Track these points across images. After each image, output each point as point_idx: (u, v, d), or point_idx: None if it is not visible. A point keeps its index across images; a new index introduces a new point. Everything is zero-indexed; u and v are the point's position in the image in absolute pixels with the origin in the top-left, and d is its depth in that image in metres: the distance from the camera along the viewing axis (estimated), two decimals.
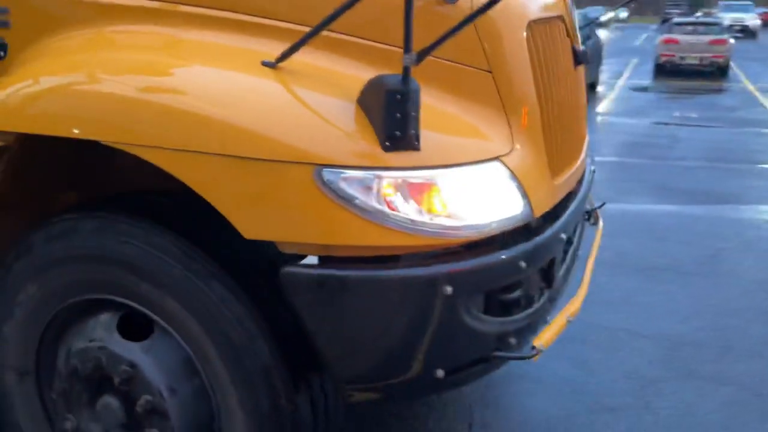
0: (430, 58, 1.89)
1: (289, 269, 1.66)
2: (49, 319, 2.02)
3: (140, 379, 1.89)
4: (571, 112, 2.39)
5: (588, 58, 2.52)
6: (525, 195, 1.94)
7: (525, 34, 1.99)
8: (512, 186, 1.91)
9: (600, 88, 16.02)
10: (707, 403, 3.08)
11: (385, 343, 1.74)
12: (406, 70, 1.60)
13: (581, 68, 2.61)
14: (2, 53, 1.97)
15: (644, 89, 16.09)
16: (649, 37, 19.51)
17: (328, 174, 1.61)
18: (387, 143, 1.64)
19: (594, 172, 3.06)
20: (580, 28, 2.88)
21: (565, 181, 2.27)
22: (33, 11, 1.98)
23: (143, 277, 1.83)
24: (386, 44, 1.87)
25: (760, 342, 3.67)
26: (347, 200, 1.62)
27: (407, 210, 1.67)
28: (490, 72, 1.94)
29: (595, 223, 3.10)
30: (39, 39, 1.95)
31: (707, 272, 4.66)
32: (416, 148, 1.68)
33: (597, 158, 8.33)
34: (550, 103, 2.13)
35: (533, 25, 2.05)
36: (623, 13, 63.90)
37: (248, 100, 1.69)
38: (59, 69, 1.84)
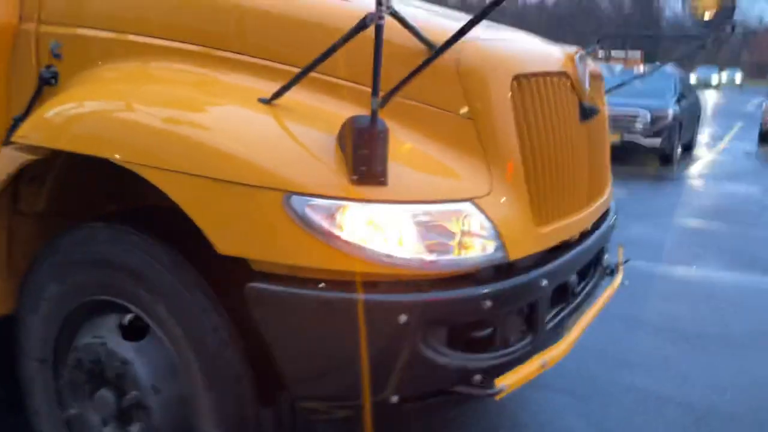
0: (415, 102, 2.05)
1: (253, 285, 1.82)
2: (66, 315, 2.28)
3: (131, 375, 2.09)
4: (573, 166, 2.44)
5: (596, 113, 2.56)
6: (499, 238, 2.02)
7: (510, 86, 2.09)
8: (485, 228, 2.00)
9: (696, 151, 15.50)
10: None
11: (339, 364, 1.86)
12: (373, 112, 1.75)
13: (594, 123, 2.66)
14: (54, 81, 2.28)
15: (743, 155, 15.39)
16: (762, 102, 18.62)
17: (295, 201, 1.78)
18: (354, 177, 1.79)
19: (613, 226, 3.07)
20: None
21: (556, 230, 2.32)
22: (82, 47, 2.29)
23: (140, 283, 2.05)
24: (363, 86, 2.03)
25: None
26: (311, 226, 1.78)
27: (368, 240, 1.80)
28: (472, 119, 2.06)
29: (611, 276, 3.10)
30: (82, 71, 2.25)
31: (758, 346, 4.42)
32: (383, 183, 1.82)
33: (675, 221, 8.14)
34: (540, 155, 2.21)
35: (522, 78, 2.15)
36: (737, 77, 61.57)
37: (235, 130, 1.90)
38: (84, 96, 2.13)
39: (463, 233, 1.95)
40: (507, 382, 2.00)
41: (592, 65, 2.81)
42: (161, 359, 2.08)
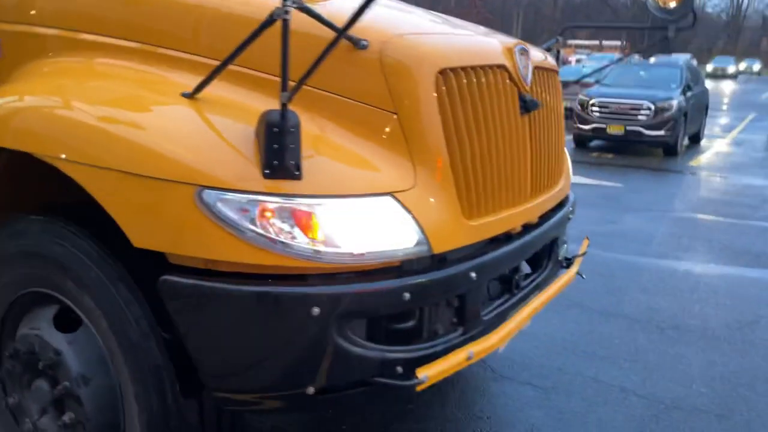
0: (339, 97, 2.07)
1: (166, 277, 1.85)
2: (8, 306, 2.32)
3: (62, 366, 2.14)
4: (511, 159, 2.43)
5: (537, 106, 2.55)
6: (422, 231, 2.04)
7: (435, 80, 2.10)
8: (406, 221, 2.01)
9: (704, 141, 15.32)
10: None
11: (252, 355, 1.88)
12: (283, 107, 1.77)
13: (540, 115, 2.65)
14: None
15: (751, 147, 15.18)
16: None
17: (207, 195, 1.80)
18: (267, 171, 1.81)
19: (567, 217, 3.07)
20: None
21: (490, 223, 2.32)
22: (20, 43, 2.33)
23: (69, 276, 2.08)
24: (291, 80, 2.04)
25: (763, 414, 3.44)
26: (223, 220, 1.80)
27: (282, 233, 1.82)
28: (396, 114, 2.07)
29: (567, 268, 3.09)
30: (20, 66, 2.29)
31: (736, 339, 4.39)
32: (296, 177, 1.84)
33: (671, 213, 8.06)
34: (469, 148, 2.20)
35: (450, 72, 2.15)
36: (756, 66, 60.65)
37: (152, 125, 1.92)
38: (14, 92, 2.17)
39: (382, 227, 1.97)
40: (429, 373, 2.01)
41: (540, 58, 2.80)
42: (91, 350, 2.12)
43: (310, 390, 1.92)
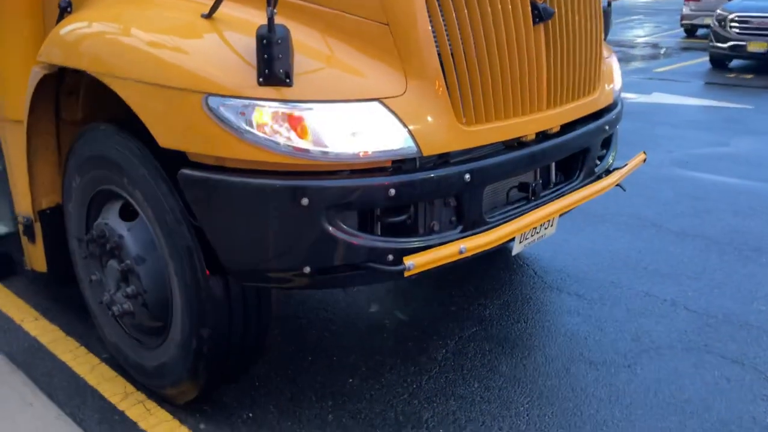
0: (333, 11, 2.29)
1: (183, 171, 2.22)
2: (89, 202, 2.83)
3: (124, 248, 2.61)
4: (518, 68, 2.52)
5: (551, 15, 2.57)
6: (410, 135, 2.24)
7: None
8: (394, 125, 2.22)
9: None
10: (698, 377, 2.99)
11: (254, 238, 2.21)
12: (269, 20, 2.02)
13: (561, 24, 2.68)
14: (69, 9, 2.75)
15: None
16: None
17: (212, 101, 2.12)
18: (260, 79, 2.09)
19: (602, 129, 3.08)
20: None
21: (491, 130, 2.46)
22: None
23: (125, 174, 2.52)
24: (304, 1, 2.29)
25: None
26: (225, 123, 2.11)
27: (275, 134, 2.11)
28: (387, 25, 2.26)
29: (599, 178, 3.12)
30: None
31: None
32: (287, 85, 2.10)
33: None
34: (466, 57, 2.33)
35: None
36: None
37: (173, 43, 2.26)
38: (77, 19, 2.58)
39: (369, 130, 2.19)
40: (415, 261, 2.23)
41: None
42: (145, 235, 2.57)
43: (307, 269, 2.24)
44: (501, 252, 4.28)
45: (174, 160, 2.34)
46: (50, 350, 3.23)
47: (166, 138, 2.25)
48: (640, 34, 19.57)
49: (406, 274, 2.24)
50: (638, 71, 12.73)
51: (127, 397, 2.87)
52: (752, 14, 11.73)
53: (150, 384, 2.83)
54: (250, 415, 2.77)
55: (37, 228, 3.18)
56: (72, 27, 2.59)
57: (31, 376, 2.98)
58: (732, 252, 4.32)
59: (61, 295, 3.65)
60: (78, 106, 3.00)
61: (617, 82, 3.37)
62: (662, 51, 15.83)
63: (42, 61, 2.69)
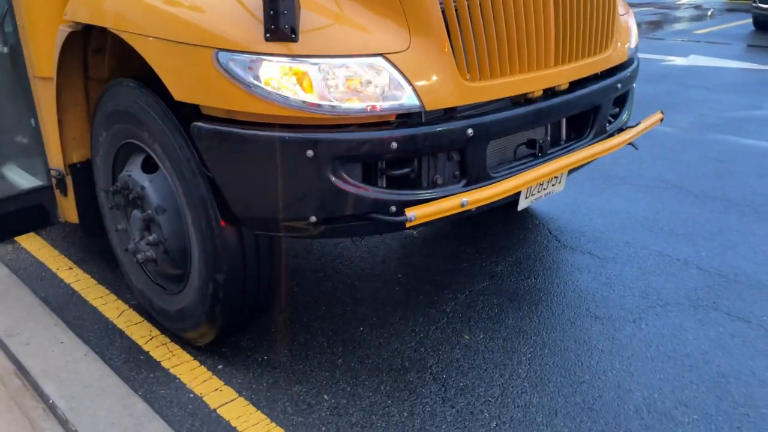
0: None
1: (195, 123, 2.34)
2: (114, 155, 2.98)
3: (146, 198, 2.76)
4: (525, 24, 2.56)
5: None
6: (413, 90, 2.32)
7: None
8: (397, 80, 2.30)
9: None
10: (702, 332, 3.05)
11: (263, 187, 2.33)
12: None
13: None
14: None
15: None
16: None
17: (222, 56, 2.23)
18: (267, 35, 2.18)
19: (614, 87, 3.10)
20: None
21: (495, 86, 2.51)
22: None
23: (145, 128, 2.66)
24: None
25: None
26: (233, 77, 2.22)
27: (281, 88, 2.21)
28: None
29: (611, 135, 3.15)
30: None
31: None
32: (293, 40, 2.19)
33: None
34: (471, 13, 2.38)
35: None
36: None
37: (186, 0, 2.35)
38: None
39: (373, 84, 2.27)
40: (417, 212, 2.31)
41: None
42: (165, 187, 2.71)
43: (313, 219, 2.35)
44: (517, 212, 4.35)
45: (190, 113, 2.46)
46: (83, 296, 3.44)
47: (180, 92, 2.37)
48: None
49: (408, 224, 2.33)
50: (678, 33, 12.43)
51: (152, 340, 3.07)
52: None
53: (173, 327, 3.01)
54: (265, 358, 2.93)
55: (69, 181, 3.35)
56: None
57: (64, 319, 3.19)
58: (751, 213, 4.31)
59: (94, 245, 3.86)
60: (105, 63, 3.13)
61: (633, 40, 3.36)
62: (708, 12, 15.37)
63: (68, 20, 2.82)
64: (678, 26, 13.44)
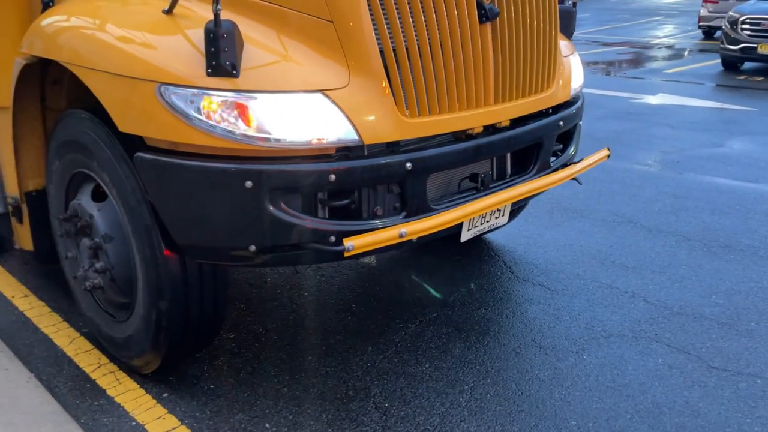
0: (281, 8, 2.46)
1: (138, 154, 2.41)
2: (66, 184, 3.03)
3: (94, 226, 2.81)
4: (464, 65, 2.66)
5: (497, 15, 2.71)
6: (352, 125, 2.41)
7: None
8: (335, 115, 2.39)
9: None
10: (641, 363, 3.11)
11: (202, 217, 2.39)
12: (215, 15, 2.20)
13: (509, 23, 2.82)
14: (52, 3, 2.96)
15: None
16: None
17: (164, 89, 2.31)
18: (208, 70, 2.27)
19: (557, 124, 3.21)
20: None
21: (434, 122, 2.61)
22: None
23: (94, 158, 2.72)
24: None
25: (763, 327, 3.44)
26: (175, 110, 2.30)
27: (222, 121, 2.29)
28: (332, 22, 2.42)
29: (554, 171, 3.24)
30: None
31: None
32: (234, 76, 2.28)
33: None
34: (409, 54, 2.49)
35: None
36: None
37: (133, 36, 2.45)
38: (54, 13, 2.79)
39: (312, 120, 2.36)
40: (355, 243, 2.38)
41: None
42: (112, 215, 2.76)
43: (252, 248, 2.42)
44: (475, 243, 4.44)
45: (139, 145, 2.53)
46: (35, 324, 3.46)
47: (124, 123, 2.44)
48: (657, 35, 19.50)
49: (346, 254, 2.40)
50: (649, 72, 12.75)
51: (99, 368, 3.08)
52: (763, 16, 11.70)
53: (120, 355, 3.03)
54: (211, 386, 2.96)
55: (24, 209, 3.40)
56: (51, 20, 2.80)
57: (13, 346, 3.20)
58: (701, 248, 4.42)
59: (51, 274, 3.87)
60: (62, 94, 3.21)
61: (577, 79, 3.50)
62: (679, 52, 15.79)
63: (24, 53, 2.90)
64: (649, 65, 13.79)
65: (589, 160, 3.45)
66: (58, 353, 3.19)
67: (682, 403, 2.83)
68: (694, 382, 2.98)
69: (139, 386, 2.95)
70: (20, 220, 3.46)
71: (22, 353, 3.16)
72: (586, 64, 13.62)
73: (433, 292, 3.80)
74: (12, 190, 3.40)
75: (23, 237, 3.51)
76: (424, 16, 2.53)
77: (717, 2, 16.53)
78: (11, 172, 3.33)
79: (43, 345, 3.26)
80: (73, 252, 3.05)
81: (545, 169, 3.24)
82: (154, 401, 2.85)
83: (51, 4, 2.96)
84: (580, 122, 3.62)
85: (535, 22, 3.00)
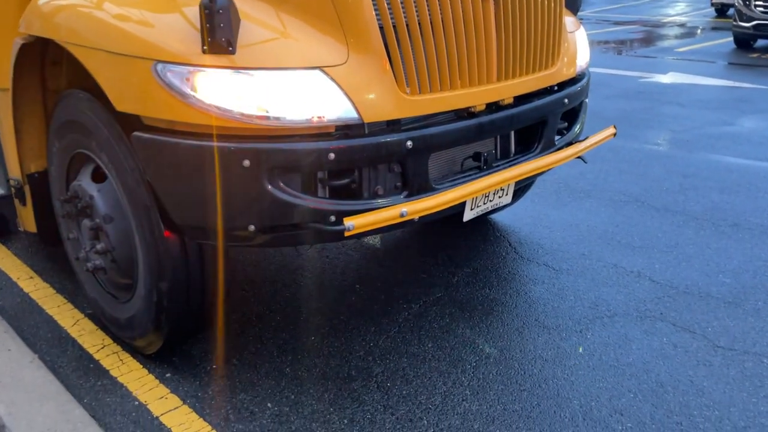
0: None
1: (136, 133, 2.39)
2: (67, 165, 3.03)
3: (95, 207, 2.80)
4: (466, 42, 2.62)
5: None
6: (351, 102, 2.38)
7: None
8: (334, 93, 2.36)
9: None
10: (645, 342, 3.09)
11: (200, 196, 2.37)
12: None
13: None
14: None
15: None
16: None
17: (160, 67, 2.28)
18: (204, 47, 2.24)
19: (561, 102, 3.16)
20: None
21: (435, 99, 2.57)
22: None
23: (93, 138, 2.70)
24: None
25: None
26: (171, 88, 2.27)
27: (216, 99, 2.26)
28: None
29: (559, 148, 3.20)
30: None
31: None
32: (230, 53, 2.24)
33: None
34: (410, 30, 2.44)
35: None
36: None
37: (129, 13, 2.42)
38: None
39: (310, 97, 2.33)
40: (355, 222, 2.36)
41: None
42: (112, 196, 2.75)
43: (251, 228, 2.40)
44: (481, 223, 4.41)
45: (137, 124, 2.51)
46: (40, 305, 3.47)
47: (121, 102, 2.42)
48: (669, 12, 19.26)
49: (346, 234, 2.38)
50: (660, 51, 12.59)
51: (103, 348, 3.09)
52: None
53: (123, 336, 3.04)
54: (214, 366, 2.96)
55: (27, 191, 3.40)
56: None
57: (17, 327, 3.21)
58: (709, 227, 4.37)
59: (57, 256, 3.88)
60: (62, 75, 3.19)
61: (582, 56, 3.44)
62: (691, 30, 15.57)
63: (22, 32, 2.88)
64: (660, 44, 13.62)
65: (595, 138, 3.41)
66: (63, 334, 3.20)
67: (686, 382, 2.81)
68: (699, 361, 2.95)
69: (142, 366, 2.96)
70: (23, 202, 3.46)
71: (26, 334, 3.18)
72: (597, 43, 13.48)
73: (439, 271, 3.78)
74: (14, 172, 3.39)
75: (26, 219, 3.51)
76: None
77: None
78: (13, 154, 3.32)
79: (48, 326, 3.27)
80: (74, 233, 3.05)
81: (550, 147, 3.20)
82: (157, 381, 2.85)
83: None
84: (586, 100, 3.56)
85: None
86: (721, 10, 17.46)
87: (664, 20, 17.95)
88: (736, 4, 12.03)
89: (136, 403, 2.72)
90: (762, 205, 4.75)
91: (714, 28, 15.93)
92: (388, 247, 4.16)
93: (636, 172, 5.47)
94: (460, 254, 4.01)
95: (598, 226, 4.41)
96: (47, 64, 3.14)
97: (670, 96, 8.52)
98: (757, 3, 11.64)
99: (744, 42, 12.30)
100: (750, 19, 11.75)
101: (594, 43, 13.35)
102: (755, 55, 11.80)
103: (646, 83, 9.36)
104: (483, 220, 4.47)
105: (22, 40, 2.87)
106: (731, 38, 12.78)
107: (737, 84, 9.21)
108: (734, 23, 12.12)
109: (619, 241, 4.18)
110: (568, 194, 4.98)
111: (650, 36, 14.89)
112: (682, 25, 16.89)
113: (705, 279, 3.68)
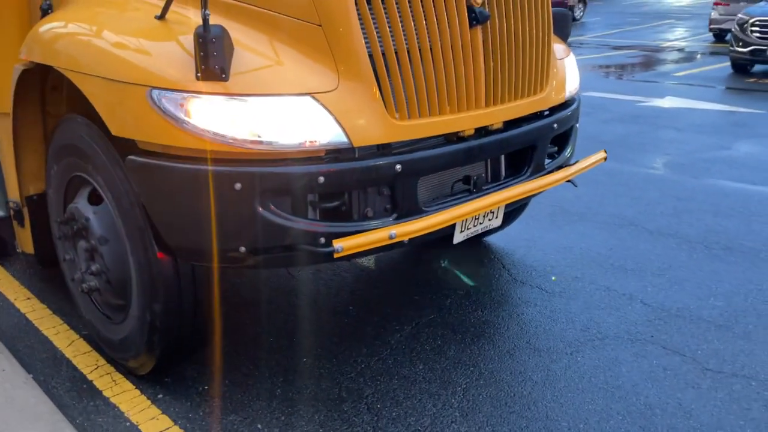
0: (271, 13, 2.49)
1: (130, 157, 2.45)
2: (65, 187, 3.08)
3: (90, 229, 2.85)
4: (454, 68, 2.68)
5: (487, 18, 2.72)
6: (341, 127, 2.43)
7: None
8: (325, 118, 2.41)
9: None
10: (635, 365, 3.11)
11: (192, 219, 2.42)
12: (204, 21, 2.23)
13: (500, 27, 2.83)
14: (50, 10, 3.01)
15: None
16: None
17: (155, 94, 2.34)
18: (198, 74, 2.30)
19: (550, 127, 3.21)
20: None
21: (424, 125, 2.62)
22: None
23: (89, 162, 2.76)
24: (244, 3, 2.49)
25: (760, 329, 3.42)
26: (166, 113, 2.33)
27: (211, 124, 2.32)
28: (320, 26, 2.45)
29: (549, 173, 3.24)
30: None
31: None
32: (223, 80, 2.31)
33: None
34: (398, 57, 2.51)
35: None
36: None
37: (126, 41, 2.49)
38: (52, 20, 2.84)
39: (301, 122, 2.38)
40: (344, 244, 2.40)
41: None
42: (107, 218, 2.80)
43: (242, 249, 2.44)
44: (475, 245, 4.45)
45: (133, 149, 2.56)
46: (36, 326, 3.51)
47: (116, 127, 2.48)
48: (668, 37, 19.41)
49: (336, 255, 2.42)
50: (658, 75, 12.70)
51: (97, 369, 3.12)
52: None
53: (117, 357, 3.07)
54: (206, 387, 2.99)
55: (26, 213, 3.45)
56: (48, 27, 2.85)
57: (13, 347, 3.25)
58: (702, 250, 4.40)
59: (55, 277, 3.92)
60: (62, 100, 3.26)
61: (572, 82, 3.50)
62: (689, 55, 15.71)
63: (23, 59, 2.95)
64: (659, 68, 13.73)
65: (585, 162, 3.45)
66: (58, 355, 3.23)
67: (674, 405, 2.82)
68: (688, 384, 2.97)
69: (134, 387, 2.98)
70: (22, 224, 3.51)
71: (22, 355, 3.21)
72: (596, 67, 13.60)
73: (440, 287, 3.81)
74: (14, 194, 3.45)
75: (25, 240, 3.56)
76: (414, 20, 2.55)
77: (728, 5, 16.44)
78: (12, 177, 3.38)
79: (43, 347, 3.31)
80: (70, 254, 3.09)
81: (539, 171, 3.25)
82: (149, 402, 2.88)
83: (49, 11, 3.01)
84: (577, 124, 3.62)
85: (527, 26, 3.01)
86: (719, 35, 17.60)
87: (663, 45, 18.10)
88: (733, 29, 12.17)
89: (128, 423, 2.74)
90: (755, 228, 4.78)
91: (712, 53, 16.06)
92: (381, 269, 4.19)
93: (631, 195, 5.51)
94: (454, 276, 4.05)
95: (592, 248, 4.45)
96: (47, 90, 3.21)
97: (667, 120, 8.59)
98: (754, 29, 11.77)
99: (741, 67, 12.41)
100: (747, 45, 11.87)
101: (593, 67, 13.48)
102: (752, 79, 11.90)
103: (643, 107, 9.43)
104: (478, 242, 4.50)
105: (23, 66, 2.94)
106: (729, 63, 12.90)
107: (734, 108, 9.28)
108: (731, 48, 12.24)
109: (612, 264, 4.21)
110: (563, 217, 5.02)
111: (649, 60, 15.01)
112: (680, 50, 17.04)
113: (696, 302, 3.71)
